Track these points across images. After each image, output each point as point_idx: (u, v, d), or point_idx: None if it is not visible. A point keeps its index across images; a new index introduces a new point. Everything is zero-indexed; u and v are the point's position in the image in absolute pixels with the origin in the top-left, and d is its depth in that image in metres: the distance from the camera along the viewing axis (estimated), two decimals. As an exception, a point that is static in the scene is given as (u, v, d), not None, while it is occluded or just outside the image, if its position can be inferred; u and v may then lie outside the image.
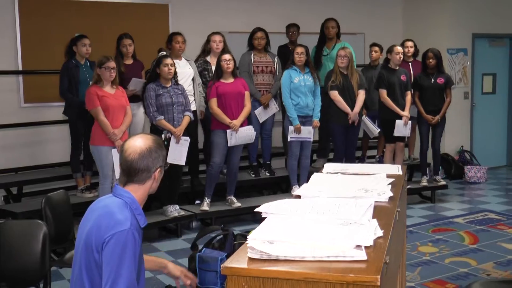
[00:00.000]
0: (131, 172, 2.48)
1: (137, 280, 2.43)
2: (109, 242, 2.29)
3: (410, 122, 7.22)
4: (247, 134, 6.36)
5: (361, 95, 6.88)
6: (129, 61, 6.50)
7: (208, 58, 6.85)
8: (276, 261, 1.92)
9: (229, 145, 6.22)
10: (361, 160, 8.01)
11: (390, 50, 7.23)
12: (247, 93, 6.36)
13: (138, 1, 7.68)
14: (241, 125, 6.26)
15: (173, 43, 6.49)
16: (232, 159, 6.43)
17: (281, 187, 7.65)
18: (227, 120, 6.16)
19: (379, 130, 7.43)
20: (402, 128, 7.16)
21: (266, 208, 2.48)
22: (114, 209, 2.40)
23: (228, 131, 6.18)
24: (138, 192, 2.50)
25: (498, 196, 8.09)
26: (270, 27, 7.53)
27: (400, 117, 7.14)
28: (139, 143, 2.50)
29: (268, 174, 7.34)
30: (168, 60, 5.92)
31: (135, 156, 2.47)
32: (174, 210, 6.20)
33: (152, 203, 6.67)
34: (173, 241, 6.15)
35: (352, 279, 1.79)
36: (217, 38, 6.76)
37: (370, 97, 7.34)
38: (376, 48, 7.76)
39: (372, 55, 7.76)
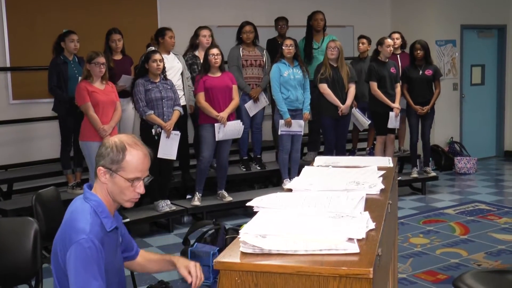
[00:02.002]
0: None
1: (114, 285, 2.41)
2: (71, 253, 2.23)
3: (400, 114, 7.24)
4: (235, 128, 6.35)
5: (352, 88, 6.90)
6: (118, 57, 6.47)
7: (197, 53, 6.84)
8: (269, 255, 1.92)
9: (216, 139, 6.20)
10: (352, 152, 8.02)
11: (380, 43, 7.22)
12: (234, 87, 6.35)
13: (126, -5, 7.65)
14: (229, 119, 6.25)
15: (166, 37, 6.48)
16: (221, 154, 6.42)
17: (272, 180, 7.65)
18: (214, 113, 6.14)
19: (369, 122, 7.44)
20: (394, 120, 7.18)
21: (258, 202, 2.47)
22: (77, 216, 2.32)
23: (216, 125, 6.16)
24: (101, 192, 2.40)
25: (488, 187, 8.13)
26: (259, 21, 7.52)
27: (392, 109, 7.15)
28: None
29: (259, 168, 7.33)
30: (157, 56, 5.90)
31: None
32: (165, 205, 6.19)
33: (144, 198, 6.64)
34: (164, 236, 6.15)
35: (345, 272, 1.79)
36: (207, 32, 6.75)
37: (360, 89, 7.34)
38: (364, 40, 7.75)
39: (360, 47, 7.75)
